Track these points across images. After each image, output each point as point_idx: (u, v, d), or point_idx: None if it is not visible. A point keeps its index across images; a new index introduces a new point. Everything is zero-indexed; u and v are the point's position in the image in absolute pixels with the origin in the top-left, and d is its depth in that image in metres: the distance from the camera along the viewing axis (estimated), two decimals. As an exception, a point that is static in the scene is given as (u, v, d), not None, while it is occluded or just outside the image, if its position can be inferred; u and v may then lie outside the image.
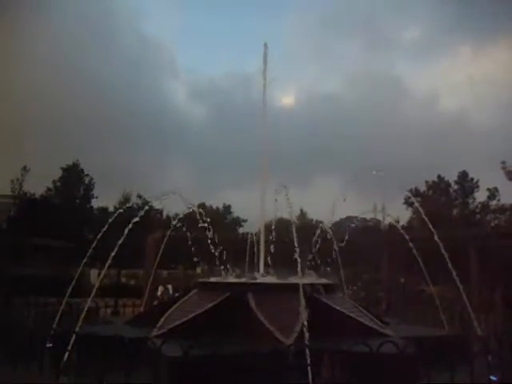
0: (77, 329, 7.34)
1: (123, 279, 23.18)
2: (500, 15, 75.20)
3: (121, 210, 11.43)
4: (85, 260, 10.75)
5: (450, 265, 8.99)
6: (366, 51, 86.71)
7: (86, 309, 8.61)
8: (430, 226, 9.71)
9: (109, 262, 8.54)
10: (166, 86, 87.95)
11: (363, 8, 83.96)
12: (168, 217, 50.64)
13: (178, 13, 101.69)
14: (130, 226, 8.92)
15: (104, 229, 9.44)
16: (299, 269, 7.52)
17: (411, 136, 63.62)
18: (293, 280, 8.30)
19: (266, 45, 12.92)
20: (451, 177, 46.28)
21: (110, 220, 9.69)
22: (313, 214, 48.78)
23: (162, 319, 8.24)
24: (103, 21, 73.96)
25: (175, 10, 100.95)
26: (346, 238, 13.03)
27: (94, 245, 9.37)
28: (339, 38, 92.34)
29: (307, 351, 5.68)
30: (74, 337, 6.89)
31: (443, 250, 9.38)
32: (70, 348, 6.64)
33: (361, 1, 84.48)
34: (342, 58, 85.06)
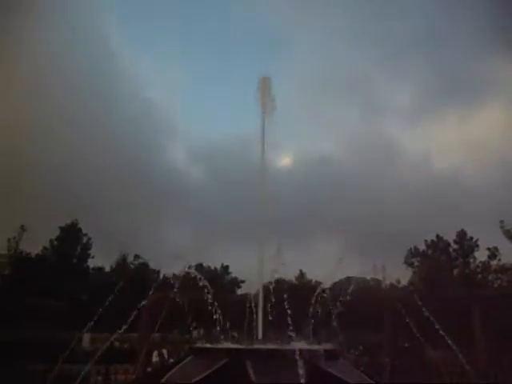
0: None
1: (116, 343, 22.29)
2: (487, 79, 79.40)
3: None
4: (87, 327, 10.46)
5: (449, 328, 8.80)
6: (361, 115, 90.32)
7: (80, 378, 8.26)
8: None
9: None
10: (165, 147, 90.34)
11: (357, 74, 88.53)
12: (165, 277, 49.64)
13: (176, 75, 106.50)
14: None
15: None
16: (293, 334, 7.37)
17: (408, 197, 64.58)
18: (292, 346, 8.06)
19: (264, 110, 13.61)
20: (450, 236, 46.33)
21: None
22: (312, 275, 48.37)
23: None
24: (103, 81, 76.78)
25: (175, 71, 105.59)
26: (346, 298, 12.79)
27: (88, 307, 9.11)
28: (335, 101, 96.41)
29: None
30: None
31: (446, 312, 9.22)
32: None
33: (354, 66, 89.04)
34: (337, 121, 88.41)
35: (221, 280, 50.69)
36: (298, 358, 7.03)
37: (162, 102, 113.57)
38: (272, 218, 13.35)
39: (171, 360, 15.48)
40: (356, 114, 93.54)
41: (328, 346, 9.62)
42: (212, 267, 52.13)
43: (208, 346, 9.81)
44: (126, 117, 75.68)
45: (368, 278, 48.91)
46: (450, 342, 9.31)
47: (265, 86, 13.77)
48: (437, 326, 9.69)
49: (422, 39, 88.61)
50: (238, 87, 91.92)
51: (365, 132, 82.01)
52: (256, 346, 8.68)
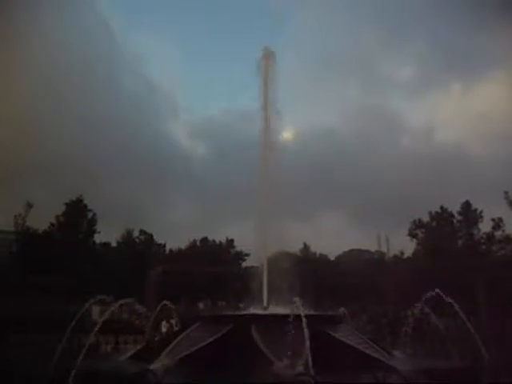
0: (76, 365, 7.19)
1: (124, 315, 22.74)
2: (490, 52, 77.66)
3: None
4: (93, 300, 10.68)
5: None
6: (364, 88, 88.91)
7: (87, 346, 8.45)
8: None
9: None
10: (167, 124, 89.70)
11: (360, 47, 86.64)
12: (171, 251, 50.56)
13: (177, 53, 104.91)
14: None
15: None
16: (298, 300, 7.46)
17: (411, 168, 64.05)
18: (297, 311, 8.16)
19: (265, 81, 13.43)
20: (454, 207, 46.20)
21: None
22: (316, 248, 48.69)
23: (164, 353, 8.07)
24: (103, 63, 76.05)
25: (174, 49, 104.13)
26: (350, 271, 12.93)
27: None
28: (337, 75, 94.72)
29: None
30: (73, 373, 6.76)
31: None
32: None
33: (357, 40, 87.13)
34: (340, 94, 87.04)
35: (225, 253, 51.22)
36: (303, 322, 7.12)
37: (162, 77, 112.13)
38: (275, 190, 13.36)
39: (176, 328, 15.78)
40: (359, 87, 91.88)
41: (332, 312, 9.78)
42: (217, 241, 52.56)
43: (213, 313, 10.00)
44: (128, 93, 75.19)
45: (372, 250, 49.50)
46: (456, 308, 9.37)
47: (267, 56, 13.56)
48: (441, 295, 9.76)
49: (423, 12, 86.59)
50: (239, 62, 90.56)
51: (368, 104, 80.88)
52: (260, 312, 8.83)
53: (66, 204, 47.37)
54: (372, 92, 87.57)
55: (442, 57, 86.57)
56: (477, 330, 9.47)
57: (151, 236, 50.22)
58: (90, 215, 48.23)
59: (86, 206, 48.07)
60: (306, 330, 6.98)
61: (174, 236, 53.33)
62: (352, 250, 52.19)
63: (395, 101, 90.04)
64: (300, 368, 6.54)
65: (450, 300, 9.49)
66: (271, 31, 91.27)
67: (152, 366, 7.30)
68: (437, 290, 9.65)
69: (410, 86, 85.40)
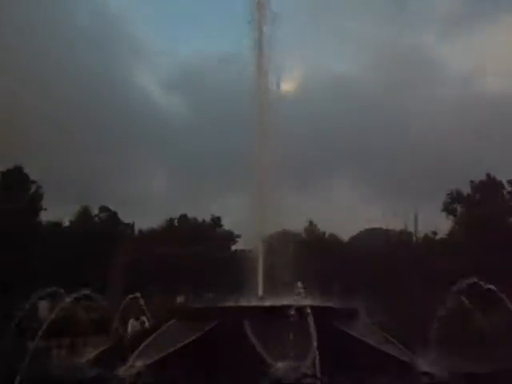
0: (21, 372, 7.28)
1: (81, 312, 22.87)
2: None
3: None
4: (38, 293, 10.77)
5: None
6: (386, 21, 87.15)
7: (31, 349, 8.56)
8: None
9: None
10: (135, 72, 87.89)
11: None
12: (141, 232, 50.83)
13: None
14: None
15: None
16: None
17: (447, 126, 63.67)
18: (299, 302, 8.23)
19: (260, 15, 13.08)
20: (504, 175, 46.03)
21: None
22: (325, 226, 48.37)
23: (133, 356, 8.18)
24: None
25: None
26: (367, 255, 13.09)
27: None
28: (349, 4, 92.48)
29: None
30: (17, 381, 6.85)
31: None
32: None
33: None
34: (353, 30, 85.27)
35: (211, 234, 51.04)
36: (308, 315, 7.18)
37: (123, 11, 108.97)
38: (272, 155, 13.15)
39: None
40: (379, 20, 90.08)
41: (346, 304, 9.91)
42: (199, 219, 52.23)
43: (193, 306, 10.10)
44: (86, 38, 73.02)
45: (396, 229, 49.15)
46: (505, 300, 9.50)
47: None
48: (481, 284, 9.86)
49: None
50: None
51: (391, 43, 79.45)
52: (255, 303, 8.91)
53: (2, 173, 46.93)
54: (396, 26, 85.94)
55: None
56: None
57: (115, 214, 50.28)
58: (33, 188, 47.91)
59: (27, 176, 47.59)
60: (312, 325, 7.05)
61: (145, 213, 53.33)
62: (370, 229, 51.94)
63: (428, 37, 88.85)
64: (305, 369, 6.65)
65: (492, 288, 9.61)
66: None
67: (118, 371, 7.40)
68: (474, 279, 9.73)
69: (449, 20, 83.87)
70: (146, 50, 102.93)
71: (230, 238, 50.11)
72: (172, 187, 66.44)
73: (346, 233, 48.81)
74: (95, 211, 50.70)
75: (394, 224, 45.65)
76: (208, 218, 52.12)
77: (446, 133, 60.70)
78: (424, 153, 56.79)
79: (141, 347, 8.56)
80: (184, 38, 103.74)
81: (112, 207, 50.25)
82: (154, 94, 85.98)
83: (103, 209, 50.65)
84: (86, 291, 11.82)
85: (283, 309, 8.52)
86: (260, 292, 11.37)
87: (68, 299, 10.60)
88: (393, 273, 33.84)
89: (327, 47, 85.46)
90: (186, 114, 79.33)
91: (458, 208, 47.38)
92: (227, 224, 49.40)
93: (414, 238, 47.52)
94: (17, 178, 47.84)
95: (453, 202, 47.37)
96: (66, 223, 49.65)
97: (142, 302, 13.28)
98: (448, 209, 47.17)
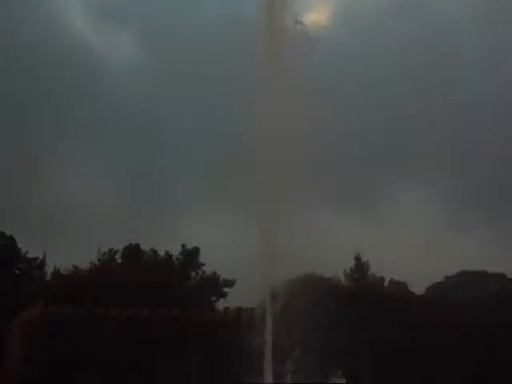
0: None
1: None
2: None
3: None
4: None
5: None
6: None
7: None
8: None
9: None
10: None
11: None
12: (58, 273, 28.10)
13: None
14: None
15: None
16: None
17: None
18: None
19: None
20: None
21: None
22: (380, 264, 27.01)
23: None
24: None
25: None
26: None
27: None
28: None
29: None
30: None
31: None
32: None
33: None
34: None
35: (182, 279, 28.24)
36: None
37: None
38: (290, 144, 8.62)
39: None
40: None
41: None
42: (161, 253, 30.25)
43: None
44: None
45: (509, 275, 30.39)
46: None
47: None
48: None
49: None
50: None
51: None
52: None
53: None
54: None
55: None
56: None
57: (13, 241, 29.99)
58: None
59: None
60: None
61: (68, 241, 31.11)
62: (464, 273, 30.40)
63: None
64: None
65: None
66: None
67: None
68: None
69: None
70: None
71: (216, 286, 29.63)
72: (114, 198, 40.45)
73: (418, 279, 27.06)
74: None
75: (504, 265, 30.45)
76: (177, 251, 30.61)
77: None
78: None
79: None
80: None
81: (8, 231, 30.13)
82: (86, 38, 47.32)
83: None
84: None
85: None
86: (268, 379, 7.89)
87: None
88: (504, 340, 19.44)
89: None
90: (143, 67, 46.86)
91: None
92: (208, 262, 29.48)
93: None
94: None
95: None
96: None
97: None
98: None
